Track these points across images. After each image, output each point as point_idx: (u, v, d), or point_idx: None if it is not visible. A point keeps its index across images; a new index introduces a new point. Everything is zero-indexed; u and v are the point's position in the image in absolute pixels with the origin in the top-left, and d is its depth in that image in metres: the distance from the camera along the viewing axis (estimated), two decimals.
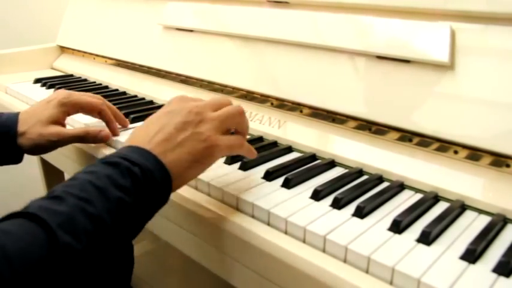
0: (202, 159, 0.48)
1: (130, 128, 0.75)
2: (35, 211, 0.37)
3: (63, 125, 0.69)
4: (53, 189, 0.41)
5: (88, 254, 0.38)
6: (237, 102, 0.78)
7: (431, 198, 0.52)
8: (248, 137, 0.72)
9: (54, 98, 0.68)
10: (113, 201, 0.40)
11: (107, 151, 0.69)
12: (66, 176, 1.33)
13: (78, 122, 0.79)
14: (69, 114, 0.69)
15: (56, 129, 0.66)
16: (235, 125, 0.53)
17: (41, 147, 0.66)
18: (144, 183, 0.43)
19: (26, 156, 0.70)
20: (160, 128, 0.48)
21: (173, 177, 0.45)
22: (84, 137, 0.67)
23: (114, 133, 0.71)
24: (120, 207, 0.41)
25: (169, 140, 0.47)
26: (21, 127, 0.66)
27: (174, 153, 0.46)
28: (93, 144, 0.71)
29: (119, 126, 0.73)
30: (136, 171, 0.43)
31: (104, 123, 0.72)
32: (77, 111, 0.70)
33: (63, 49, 1.29)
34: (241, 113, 0.53)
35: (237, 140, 0.52)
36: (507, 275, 0.39)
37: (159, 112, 0.51)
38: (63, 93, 0.69)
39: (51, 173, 1.29)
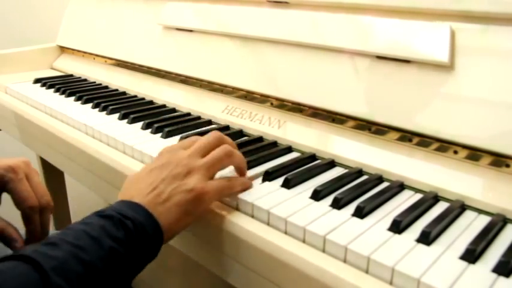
0: (192, 209, 0.49)
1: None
2: (30, 254, 0.39)
3: None
4: (49, 237, 0.42)
5: None
6: (237, 102, 0.79)
7: (431, 198, 0.52)
8: (248, 137, 0.73)
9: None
10: (105, 250, 0.42)
11: (106, 149, 0.69)
12: (66, 176, 1.33)
13: (78, 122, 0.80)
14: None
15: None
16: (225, 166, 0.54)
17: None
18: (136, 235, 0.44)
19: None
20: (150, 183, 0.49)
21: (164, 229, 0.47)
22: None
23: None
24: (113, 256, 0.42)
25: (158, 194, 0.48)
26: None
27: (164, 206, 0.48)
28: (94, 146, 0.69)
29: None
30: (128, 224, 0.44)
31: None
32: None
33: (63, 49, 1.29)
34: (228, 154, 0.53)
35: (226, 182, 0.53)
36: (507, 275, 0.39)
37: (149, 166, 0.52)
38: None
39: (51, 173, 1.29)
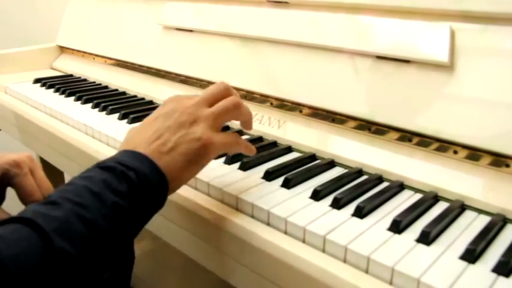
0: (198, 159, 0.48)
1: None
2: (31, 216, 0.37)
3: None
4: (49, 195, 0.41)
5: (84, 258, 0.38)
6: None
7: (431, 198, 0.52)
8: (248, 137, 0.73)
9: None
10: (108, 206, 0.40)
11: (106, 149, 0.69)
12: (66, 176, 1.33)
13: (77, 122, 0.79)
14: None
15: None
16: (232, 119, 0.52)
17: None
18: (139, 187, 0.43)
19: None
20: (154, 131, 0.48)
21: (169, 179, 0.45)
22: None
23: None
24: (116, 211, 0.41)
25: (163, 143, 0.47)
26: None
27: (169, 155, 0.46)
28: (94, 146, 0.68)
29: None
30: (131, 176, 0.43)
31: None
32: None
33: (63, 49, 1.29)
34: (236, 106, 0.52)
35: (232, 137, 0.52)
36: (507, 275, 0.39)
37: (153, 115, 0.51)
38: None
39: (51, 173, 1.28)
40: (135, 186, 0.42)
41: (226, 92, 0.52)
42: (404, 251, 0.42)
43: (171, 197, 0.48)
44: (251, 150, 0.55)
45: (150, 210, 0.45)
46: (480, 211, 0.51)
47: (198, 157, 0.48)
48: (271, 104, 0.75)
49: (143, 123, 0.50)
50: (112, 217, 0.40)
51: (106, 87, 1.05)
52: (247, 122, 0.55)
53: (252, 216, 0.51)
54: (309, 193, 0.53)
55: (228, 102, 0.51)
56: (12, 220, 0.38)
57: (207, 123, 0.49)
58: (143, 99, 0.94)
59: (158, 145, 0.46)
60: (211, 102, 0.51)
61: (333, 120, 0.67)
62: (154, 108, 0.87)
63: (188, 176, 0.48)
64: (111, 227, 0.40)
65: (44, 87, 1.04)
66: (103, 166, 0.43)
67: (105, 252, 0.40)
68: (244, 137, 0.73)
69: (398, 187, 0.56)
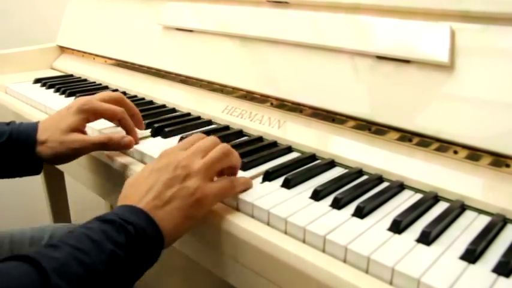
0: (193, 213, 0.49)
1: (147, 137, 0.73)
2: (32, 255, 0.39)
3: (84, 133, 0.68)
4: (50, 240, 0.43)
5: None
6: (237, 102, 0.79)
7: (431, 198, 0.52)
8: (248, 137, 0.73)
9: (73, 105, 0.67)
10: (106, 254, 0.42)
11: (109, 152, 0.69)
12: (66, 176, 1.33)
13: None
14: (89, 121, 0.67)
15: (77, 136, 0.65)
16: (224, 166, 0.54)
17: (62, 155, 0.65)
18: (137, 239, 0.44)
19: None
20: (150, 187, 0.49)
21: (165, 233, 0.47)
22: (106, 144, 0.65)
23: (134, 141, 0.69)
24: (113, 260, 0.42)
25: (158, 197, 0.48)
26: (40, 136, 0.65)
27: (164, 210, 0.48)
28: (105, 151, 0.69)
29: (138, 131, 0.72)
30: (130, 229, 0.44)
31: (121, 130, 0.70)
32: (97, 118, 0.68)
33: (63, 49, 1.29)
34: (227, 153, 0.53)
35: (228, 183, 0.52)
36: (507, 275, 0.39)
37: (148, 169, 0.52)
38: (82, 100, 0.67)
39: (51, 173, 1.29)
40: (132, 238, 0.44)
41: (216, 142, 0.54)
42: (404, 251, 0.42)
43: None
44: (248, 187, 0.55)
45: (145, 262, 0.46)
46: (480, 211, 0.51)
47: (193, 212, 0.49)
48: (271, 104, 0.75)
49: (139, 177, 0.52)
50: (109, 264, 0.42)
51: (106, 87, 1.05)
52: (236, 168, 0.56)
53: (252, 216, 0.51)
54: (309, 193, 0.53)
55: (219, 151, 0.53)
56: (15, 258, 0.40)
57: (200, 175, 0.50)
58: (143, 99, 0.94)
59: (154, 200, 0.48)
60: (204, 153, 0.53)
61: (333, 120, 0.67)
62: (154, 108, 0.87)
63: (183, 229, 0.49)
64: (107, 273, 0.42)
65: (44, 87, 1.05)
66: (103, 219, 0.45)
67: None
68: (245, 138, 0.73)
69: (399, 187, 0.56)
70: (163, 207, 0.48)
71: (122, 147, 0.66)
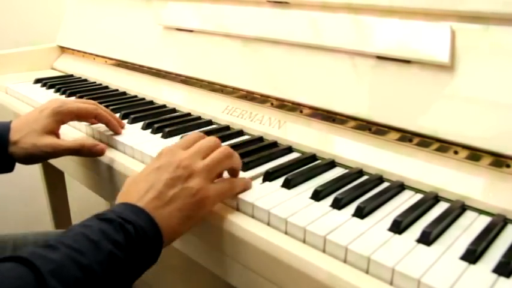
0: (194, 213, 0.49)
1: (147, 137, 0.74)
2: (28, 256, 0.39)
3: (58, 135, 0.69)
4: (47, 240, 0.42)
5: None
6: (237, 103, 0.79)
7: (431, 199, 0.52)
8: (248, 137, 0.73)
9: (47, 107, 0.68)
10: (104, 254, 0.41)
11: (110, 152, 0.69)
12: (66, 176, 1.33)
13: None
14: (63, 123, 0.69)
15: (50, 140, 0.66)
16: (225, 168, 0.54)
17: (34, 157, 0.66)
18: (136, 239, 0.44)
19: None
20: (151, 186, 0.48)
21: (164, 233, 0.47)
22: (79, 150, 0.67)
23: (117, 132, 0.72)
24: (111, 260, 0.42)
25: (159, 197, 0.48)
26: (13, 136, 0.65)
27: (165, 210, 0.47)
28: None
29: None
30: (129, 228, 0.44)
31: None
32: (71, 119, 0.70)
33: (63, 49, 1.29)
34: (228, 156, 0.53)
35: (228, 185, 0.52)
36: (507, 276, 0.39)
37: (149, 167, 0.51)
38: (56, 102, 0.69)
39: (51, 173, 1.29)
40: (131, 238, 0.44)
41: (218, 144, 0.54)
42: (404, 251, 0.42)
43: None
44: (248, 188, 0.55)
45: (144, 263, 0.46)
46: (481, 211, 0.51)
47: (194, 212, 0.49)
48: (272, 104, 0.75)
49: (140, 175, 0.51)
50: (107, 265, 0.41)
51: (106, 87, 1.05)
52: (237, 171, 0.55)
53: (253, 217, 0.51)
54: (310, 193, 0.53)
55: (220, 153, 0.53)
56: (10, 259, 0.39)
57: (202, 176, 0.50)
58: (144, 99, 0.94)
59: (154, 199, 0.47)
60: (205, 154, 0.52)
61: (334, 121, 0.67)
62: (154, 108, 0.88)
63: (183, 230, 0.49)
64: (105, 274, 0.41)
65: (44, 88, 1.05)
66: (102, 218, 0.45)
67: None
68: (245, 137, 0.73)
69: (399, 187, 0.56)
70: (164, 207, 0.47)
71: (94, 154, 0.68)
